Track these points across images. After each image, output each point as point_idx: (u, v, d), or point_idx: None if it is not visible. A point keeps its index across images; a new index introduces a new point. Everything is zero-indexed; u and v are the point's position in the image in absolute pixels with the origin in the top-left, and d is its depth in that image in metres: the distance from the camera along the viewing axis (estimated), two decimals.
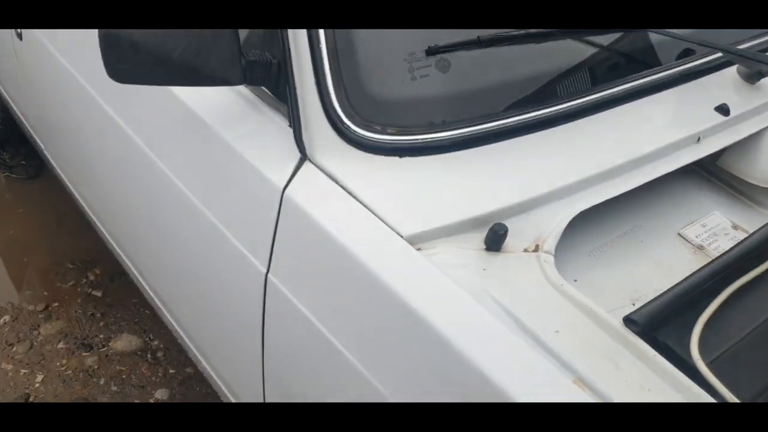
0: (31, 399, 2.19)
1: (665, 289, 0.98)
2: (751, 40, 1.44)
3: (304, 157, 1.13)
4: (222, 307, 1.41)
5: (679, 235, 1.21)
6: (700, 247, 1.19)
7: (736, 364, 0.95)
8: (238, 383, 1.51)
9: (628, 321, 0.92)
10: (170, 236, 1.53)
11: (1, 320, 2.46)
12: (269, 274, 1.15)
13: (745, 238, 1.09)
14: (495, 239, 1.01)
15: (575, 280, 1.07)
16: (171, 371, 2.35)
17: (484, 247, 1.02)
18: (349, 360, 1.05)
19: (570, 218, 1.06)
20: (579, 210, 1.08)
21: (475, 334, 0.89)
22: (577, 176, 1.11)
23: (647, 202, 1.25)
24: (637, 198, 1.22)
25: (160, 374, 2.34)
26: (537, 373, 0.86)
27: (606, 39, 1.32)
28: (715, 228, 1.23)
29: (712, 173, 1.38)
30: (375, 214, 1.02)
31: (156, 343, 2.44)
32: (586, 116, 1.21)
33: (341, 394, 1.10)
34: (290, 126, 1.14)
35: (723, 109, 1.28)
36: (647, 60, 1.34)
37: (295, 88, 1.12)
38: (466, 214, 1.03)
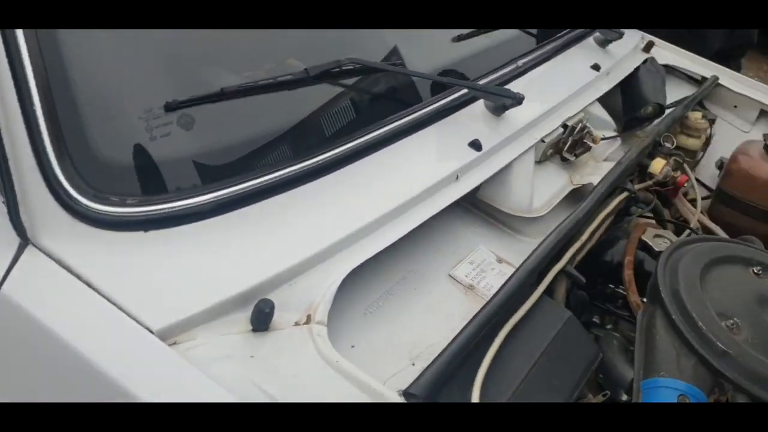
0: None
1: (441, 349, 0.95)
2: (489, 75, 1.49)
3: (25, 242, 0.94)
4: None
5: (450, 276, 1.21)
6: (471, 287, 1.20)
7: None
8: None
9: (408, 395, 0.87)
10: None
11: None
12: None
13: (508, 280, 1.11)
14: (261, 318, 0.91)
15: (352, 347, 1.02)
16: None
17: (251, 328, 0.92)
18: None
19: (340, 280, 0.99)
20: (349, 269, 1.02)
21: None
22: (345, 231, 1.05)
23: (416, 244, 1.24)
24: (406, 241, 1.19)
25: None
26: None
27: (364, 81, 1.29)
28: (482, 264, 1.25)
29: (474, 204, 1.41)
30: (118, 307, 0.87)
31: None
32: (350, 163, 1.16)
33: None
34: (4, 203, 0.94)
35: (476, 145, 1.31)
36: (406, 99, 1.34)
37: (6, 158, 0.93)
38: (226, 294, 0.92)
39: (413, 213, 1.16)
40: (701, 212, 1.81)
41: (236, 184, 1.02)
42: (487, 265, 1.25)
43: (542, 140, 1.46)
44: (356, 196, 1.12)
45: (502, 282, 1.21)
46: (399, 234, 1.11)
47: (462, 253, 1.27)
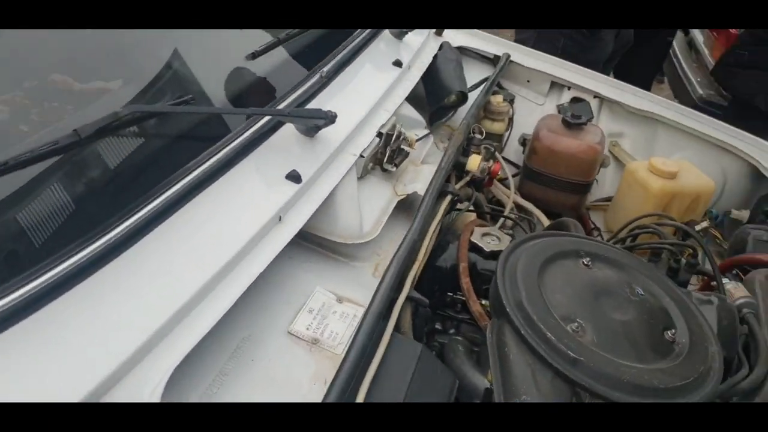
0: None
1: None
2: (294, 91, 1.36)
3: None
4: None
5: (290, 333, 1.08)
6: (315, 341, 1.08)
7: None
8: None
9: None
10: None
11: None
12: None
13: (355, 335, 1.00)
14: None
15: None
16: None
17: None
18: None
19: (163, 385, 0.83)
20: (172, 366, 0.85)
21: None
22: (157, 321, 0.87)
23: (245, 304, 1.07)
24: (233, 304, 1.04)
25: None
26: None
27: (155, 128, 1.10)
28: (322, 309, 1.14)
29: (302, 237, 1.29)
30: None
31: None
32: (152, 230, 0.97)
33: None
34: None
35: (294, 177, 1.18)
36: (209, 135, 1.17)
37: None
38: None
39: (237, 274, 1.00)
40: (515, 192, 1.85)
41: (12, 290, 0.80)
42: (327, 309, 1.14)
43: (361, 155, 1.37)
44: (164, 273, 0.93)
45: (346, 325, 1.12)
46: (225, 306, 0.95)
47: (298, 301, 1.14)
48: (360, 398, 0.93)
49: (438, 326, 1.41)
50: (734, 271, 1.56)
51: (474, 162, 1.56)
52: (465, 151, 1.61)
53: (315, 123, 1.24)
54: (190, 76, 1.24)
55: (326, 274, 1.24)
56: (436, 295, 1.40)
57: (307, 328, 1.09)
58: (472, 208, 1.61)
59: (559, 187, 1.94)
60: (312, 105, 1.36)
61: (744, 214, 1.96)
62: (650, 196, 1.81)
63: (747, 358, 1.27)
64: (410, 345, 1.10)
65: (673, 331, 1.17)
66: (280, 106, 1.29)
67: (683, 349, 1.15)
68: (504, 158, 2.08)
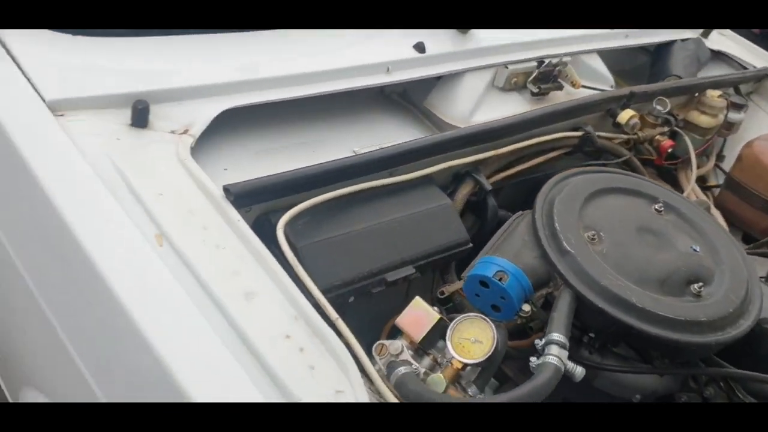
0: None
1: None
2: None
3: None
4: None
5: (354, 151, 1.31)
6: None
7: (324, 253, 1.06)
8: None
9: (225, 190, 1.00)
10: None
11: None
12: None
13: (386, 149, 1.19)
14: (137, 115, 1.08)
15: (225, 169, 1.15)
16: None
17: (130, 122, 1.09)
18: None
19: (222, 110, 1.14)
20: (236, 105, 1.16)
21: (69, 186, 0.95)
22: (249, 76, 1.20)
23: (332, 121, 1.35)
24: (322, 116, 1.31)
25: None
26: (113, 224, 0.92)
27: None
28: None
29: (425, 114, 1.49)
30: (26, 76, 1.07)
31: None
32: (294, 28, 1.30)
33: None
34: None
35: (419, 47, 1.39)
36: None
37: None
38: (120, 90, 1.10)
39: (328, 84, 1.27)
40: (696, 185, 1.75)
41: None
42: None
43: (506, 66, 1.50)
44: (279, 53, 1.26)
45: None
46: (305, 93, 1.23)
47: (376, 138, 1.35)
48: (328, 195, 1.11)
49: None
50: None
51: (625, 115, 1.55)
52: (625, 105, 1.59)
53: None
54: None
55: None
56: None
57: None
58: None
59: (754, 204, 1.75)
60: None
61: None
62: None
63: None
64: (438, 195, 1.24)
65: (701, 285, 1.08)
66: None
67: (704, 302, 1.07)
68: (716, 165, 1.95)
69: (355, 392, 0.83)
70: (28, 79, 1.07)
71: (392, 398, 0.89)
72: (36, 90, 1.06)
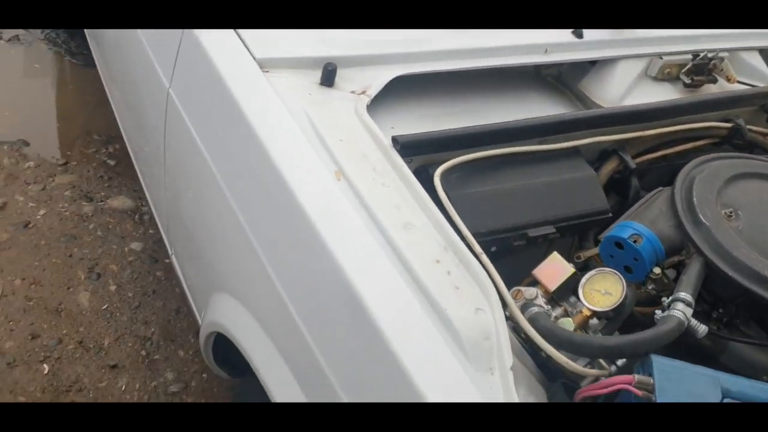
0: (30, 226, 2.61)
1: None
2: None
3: None
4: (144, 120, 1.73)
5: None
6: None
7: (473, 203, 1.19)
8: (155, 197, 1.84)
9: (394, 140, 1.17)
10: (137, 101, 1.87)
11: (27, 164, 2.90)
12: (170, 88, 1.47)
13: (539, 118, 1.31)
14: (326, 75, 1.28)
15: (392, 127, 1.33)
16: (150, 231, 2.72)
17: (320, 81, 1.29)
18: (206, 159, 1.35)
19: (395, 76, 1.31)
20: (406, 72, 1.33)
21: (273, 128, 1.17)
22: (422, 48, 1.37)
23: (509, 103, 1.48)
24: (499, 97, 1.46)
25: (140, 231, 2.71)
26: (306, 159, 1.13)
27: None
28: None
29: (575, 95, 1.59)
30: (240, 38, 1.31)
31: (145, 208, 2.81)
32: None
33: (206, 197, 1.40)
34: None
35: (578, 33, 1.49)
36: None
37: None
38: (313, 54, 1.31)
39: (490, 60, 1.41)
40: None
41: None
42: None
43: (660, 56, 1.57)
44: (445, 30, 1.41)
45: None
46: (468, 66, 1.38)
47: (530, 114, 1.46)
48: (484, 153, 1.24)
49: None
50: None
51: None
52: None
53: None
54: None
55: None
56: None
57: None
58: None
59: None
60: None
61: None
62: None
63: None
64: (584, 166, 1.34)
65: None
66: None
67: None
68: None
69: (494, 312, 0.97)
70: (242, 41, 1.31)
71: (526, 325, 1.00)
72: (248, 49, 1.29)
